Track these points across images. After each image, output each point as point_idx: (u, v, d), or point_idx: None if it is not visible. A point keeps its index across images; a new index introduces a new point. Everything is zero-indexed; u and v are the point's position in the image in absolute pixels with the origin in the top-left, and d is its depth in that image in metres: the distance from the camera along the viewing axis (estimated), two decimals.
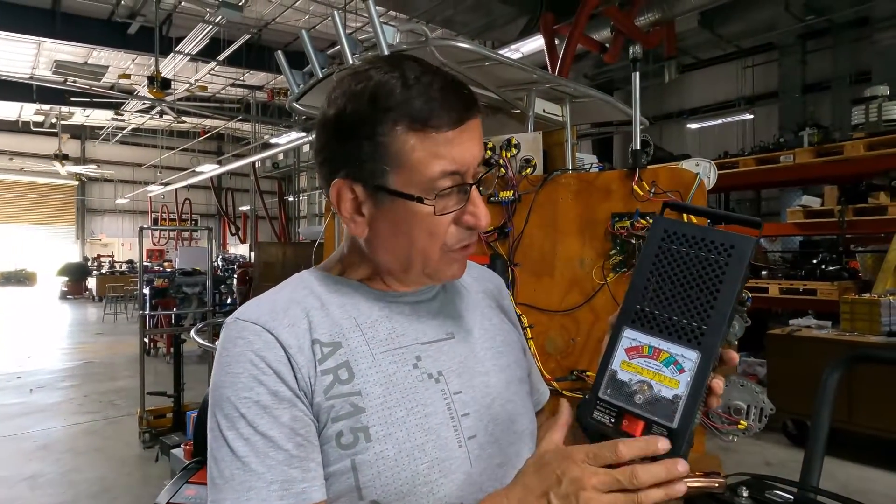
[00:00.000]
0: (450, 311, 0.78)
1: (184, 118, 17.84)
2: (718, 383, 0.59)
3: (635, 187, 1.59)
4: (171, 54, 11.79)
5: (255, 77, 15.41)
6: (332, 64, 3.13)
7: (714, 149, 9.76)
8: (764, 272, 5.75)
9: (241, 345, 0.66)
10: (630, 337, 0.62)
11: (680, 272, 0.61)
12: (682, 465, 0.55)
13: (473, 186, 0.69)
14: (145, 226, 5.44)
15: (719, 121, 10.15)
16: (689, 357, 0.58)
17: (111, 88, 15.68)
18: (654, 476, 0.54)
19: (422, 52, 2.78)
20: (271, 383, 0.64)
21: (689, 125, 10.58)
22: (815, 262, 5.65)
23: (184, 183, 19.20)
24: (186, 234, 19.05)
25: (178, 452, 3.41)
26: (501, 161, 1.80)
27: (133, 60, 14.26)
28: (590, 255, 1.68)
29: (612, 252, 1.64)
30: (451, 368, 0.72)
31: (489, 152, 1.85)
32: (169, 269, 9.99)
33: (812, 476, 0.98)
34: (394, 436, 0.65)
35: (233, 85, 15.96)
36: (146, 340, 9.07)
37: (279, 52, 3.38)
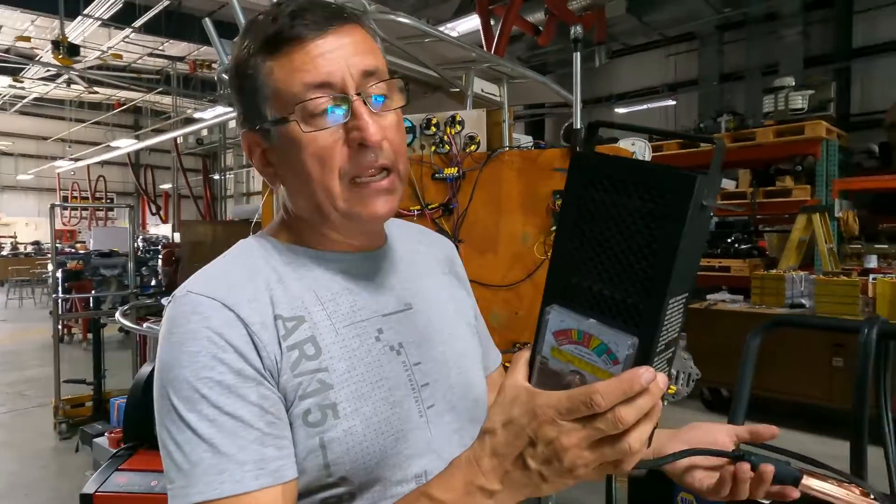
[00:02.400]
0: (407, 280, 0.76)
1: (96, 88, 16.53)
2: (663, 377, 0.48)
3: None
4: (79, 17, 10.83)
5: (176, 47, 14.47)
6: None
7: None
8: None
9: (196, 321, 0.61)
10: (557, 319, 0.50)
11: (609, 229, 0.47)
12: (662, 379, 0.47)
13: (357, 98, 0.63)
14: (56, 203, 5.03)
15: (644, 106, 10.60)
16: (624, 343, 0.46)
17: (6, 52, 14.27)
18: (640, 410, 0.46)
19: None
20: (234, 362, 0.59)
21: (616, 109, 10.98)
22: (729, 241, 6.05)
23: (97, 158, 17.88)
24: (101, 214, 17.80)
25: (102, 441, 3.23)
26: (445, 137, 1.80)
27: (33, 22, 13.01)
28: (532, 231, 1.73)
29: (553, 228, 1.69)
30: (411, 340, 0.71)
31: (433, 128, 1.85)
32: (82, 251, 9.32)
33: (737, 420, 1.08)
34: (361, 411, 0.63)
35: (151, 55, 14.93)
36: (59, 326, 8.52)
37: (207, 19, 3.20)
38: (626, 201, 0.46)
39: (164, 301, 2.59)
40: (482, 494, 0.52)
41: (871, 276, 4.39)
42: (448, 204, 1.79)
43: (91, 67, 14.04)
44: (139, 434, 2.00)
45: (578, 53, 1.62)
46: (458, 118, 1.85)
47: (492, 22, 6.69)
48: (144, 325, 2.52)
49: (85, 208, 16.90)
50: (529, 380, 0.51)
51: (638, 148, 1.61)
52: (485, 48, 6.53)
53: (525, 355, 0.52)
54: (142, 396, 2.03)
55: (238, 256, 0.70)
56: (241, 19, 2.91)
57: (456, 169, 1.78)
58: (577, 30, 1.60)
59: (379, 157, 0.65)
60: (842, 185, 5.35)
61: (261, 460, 0.58)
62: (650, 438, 0.48)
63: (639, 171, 0.46)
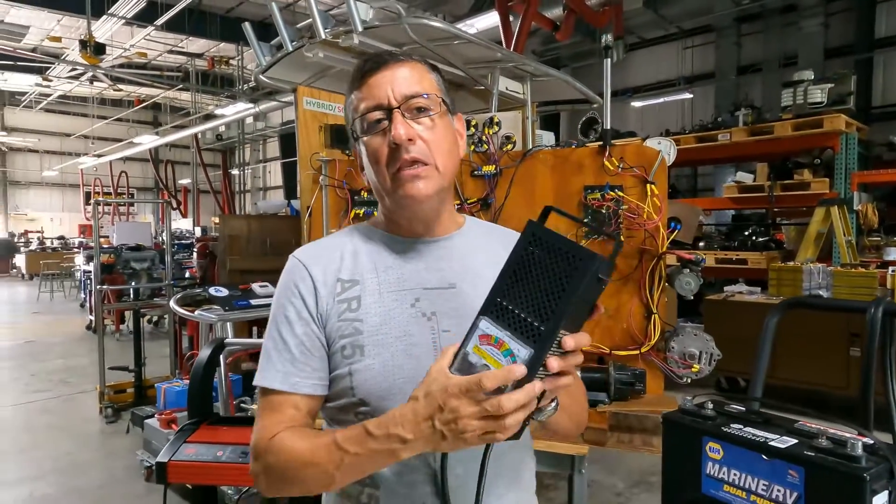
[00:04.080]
0: (460, 266, 0.93)
1: (119, 86, 16.85)
2: (553, 363, 0.67)
3: (606, 163, 1.78)
4: (104, 17, 11.09)
5: (195, 44, 14.73)
6: (301, 37, 3.16)
7: (656, 126, 10.23)
8: (701, 243, 6.20)
9: (287, 273, 0.92)
10: (485, 326, 0.70)
11: (535, 275, 0.68)
12: (538, 386, 0.67)
13: (395, 110, 0.85)
14: (99, 199, 5.26)
15: (661, 99, 10.60)
16: (523, 352, 0.67)
17: (33, 51, 14.61)
18: (516, 402, 0.65)
19: (395, 29, 2.87)
20: (297, 304, 0.88)
21: (633, 103, 11.00)
22: (746, 234, 6.13)
23: (119, 154, 18.25)
24: (123, 209, 18.18)
25: (153, 422, 3.45)
26: (484, 137, 1.95)
27: (59, 21, 13.33)
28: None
29: (585, 220, 1.83)
30: (444, 312, 0.89)
31: (472, 129, 2.00)
32: (106, 245, 9.60)
33: (756, 391, 1.22)
34: (380, 355, 0.85)
35: (170, 52, 15.21)
36: (91, 318, 8.81)
37: (246, 23, 3.37)
38: (553, 260, 0.67)
39: (211, 290, 2.77)
40: (398, 441, 0.71)
41: (891, 268, 4.46)
42: (486, 199, 1.94)
43: (115, 66, 14.33)
44: (202, 411, 2.19)
45: (608, 60, 1.75)
46: (495, 119, 1.99)
47: (510, 18, 6.79)
48: (196, 312, 2.71)
49: (120, 204, 17.24)
50: (451, 366, 0.71)
51: (664, 147, 1.74)
52: (504, 44, 6.64)
53: (452, 349, 0.72)
54: (203, 377, 2.21)
55: (335, 235, 0.98)
56: (282, 29, 3.08)
57: (493, 166, 1.93)
58: (607, 38, 1.74)
59: (411, 152, 0.85)
60: (861, 178, 5.40)
61: (286, 373, 0.87)
62: (524, 424, 0.70)
63: (567, 244, 0.67)
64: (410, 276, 0.90)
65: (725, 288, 5.29)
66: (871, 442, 0.93)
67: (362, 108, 0.87)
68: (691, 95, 10.53)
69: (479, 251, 0.95)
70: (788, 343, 4.21)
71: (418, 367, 0.83)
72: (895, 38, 8.66)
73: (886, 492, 0.89)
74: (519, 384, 0.66)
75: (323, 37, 2.81)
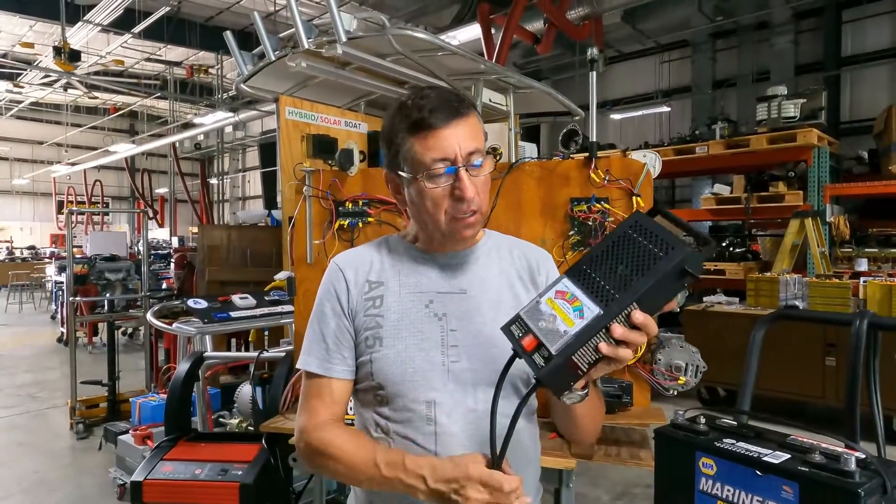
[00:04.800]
0: (472, 274, 1.05)
1: (95, 93, 16.55)
2: (617, 328, 0.74)
3: (592, 175, 1.78)
4: (80, 23, 10.90)
5: (174, 52, 14.55)
6: (284, 47, 3.14)
7: (634, 139, 10.38)
8: None
9: (328, 274, 1.08)
10: (565, 284, 0.79)
11: (625, 253, 0.75)
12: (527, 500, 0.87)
13: (461, 168, 0.94)
14: (73, 209, 5.14)
15: (639, 112, 10.77)
16: (592, 310, 0.74)
17: (3, 56, 14.28)
18: None
19: (379, 40, 2.86)
20: (334, 301, 1.04)
21: (612, 115, 11.15)
22: (724, 244, 6.22)
23: (94, 163, 17.88)
24: (97, 218, 17.80)
25: (127, 438, 3.34)
26: None
27: (31, 27, 13.05)
28: (550, 235, 1.87)
29: (571, 233, 1.83)
30: (454, 313, 1.02)
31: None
32: (79, 256, 9.36)
33: (744, 403, 1.22)
34: (395, 346, 1.00)
35: (148, 60, 15.00)
36: (62, 330, 8.55)
37: (228, 32, 3.33)
38: (648, 243, 0.74)
39: (190, 302, 2.71)
40: (422, 481, 0.89)
41: (862, 278, 4.56)
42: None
43: (89, 73, 14.08)
44: (180, 426, 2.12)
45: (594, 73, 1.76)
46: None
47: (492, 31, 6.85)
48: (174, 324, 2.64)
49: (94, 213, 16.86)
50: (522, 309, 0.83)
51: (649, 159, 1.75)
52: (486, 57, 6.69)
53: (480, 459, 0.89)
54: (181, 391, 2.15)
55: (369, 244, 1.13)
56: (262, 29, 3.05)
57: None
58: (593, 51, 1.74)
59: (471, 205, 0.97)
60: (833, 191, 5.53)
61: (322, 359, 1.03)
62: None
63: (666, 234, 0.74)
64: (427, 281, 1.04)
65: (704, 298, 5.35)
66: (863, 456, 0.93)
67: (429, 158, 0.95)
68: (669, 109, 10.72)
69: (494, 262, 1.09)
70: (766, 354, 4.27)
71: (427, 360, 0.99)
72: (860, 57, 8.95)
73: None
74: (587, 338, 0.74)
75: (306, 46, 2.79)
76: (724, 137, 5.94)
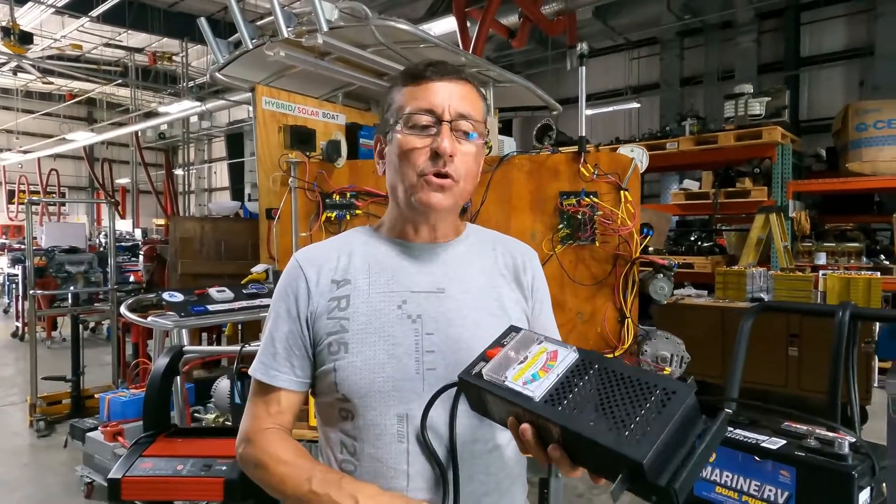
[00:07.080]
0: (452, 271, 0.94)
1: (49, 79, 15.85)
2: (527, 427, 0.70)
3: (582, 169, 1.80)
4: (30, 3, 10.35)
5: (136, 38, 14.03)
6: (261, 35, 3.06)
7: (605, 134, 10.52)
8: (651, 248, 6.41)
9: (286, 274, 0.95)
10: (568, 355, 0.73)
11: (623, 399, 0.67)
12: None
13: (444, 123, 0.87)
14: (35, 199, 4.92)
15: (610, 108, 10.92)
16: (536, 391, 0.68)
17: None
18: None
19: (361, 30, 2.82)
20: (290, 303, 0.92)
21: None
22: (692, 239, 6.38)
23: (49, 151, 17.16)
24: (53, 209, 17.11)
25: (96, 435, 3.23)
26: None
27: None
28: (540, 228, 1.88)
29: (560, 226, 1.85)
30: (430, 315, 0.89)
31: None
32: (35, 247, 8.95)
33: (733, 391, 1.26)
34: (363, 353, 0.87)
35: (108, 45, 14.43)
36: (18, 325, 8.21)
37: (202, 18, 3.23)
38: (648, 414, 0.65)
39: (165, 295, 2.63)
40: (350, 499, 0.79)
41: (821, 272, 4.75)
42: (463, 204, 1.92)
43: (43, 57, 13.47)
44: (159, 422, 2.06)
45: (583, 68, 1.78)
46: None
47: (468, 24, 6.84)
48: (149, 318, 2.56)
49: (50, 203, 16.17)
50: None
51: (636, 154, 1.78)
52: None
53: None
54: (161, 386, 2.09)
55: (336, 237, 1.00)
56: (239, 16, 2.97)
57: None
58: (582, 46, 1.76)
59: (446, 166, 0.87)
60: (795, 187, 5.73)
61: (267, 366, 0.92)
62: None
63: (659, 427, 0.64)
64: (401, 278, 0.91)
65: (675, 291, 5.48)
66: (854, 440, 0.97)
67: (414, 106, 0.88)
68: (639, 105, 10.90)
69: (476, 259, 0.97)
70: (732, 345, 4.42)
71: (399, 367, 0.87)
72: (817, 58, 9.28)
73: (869, 487, 0.94)
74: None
75: (285, 35, 2.73)
76: (693, 134, 6.08)
